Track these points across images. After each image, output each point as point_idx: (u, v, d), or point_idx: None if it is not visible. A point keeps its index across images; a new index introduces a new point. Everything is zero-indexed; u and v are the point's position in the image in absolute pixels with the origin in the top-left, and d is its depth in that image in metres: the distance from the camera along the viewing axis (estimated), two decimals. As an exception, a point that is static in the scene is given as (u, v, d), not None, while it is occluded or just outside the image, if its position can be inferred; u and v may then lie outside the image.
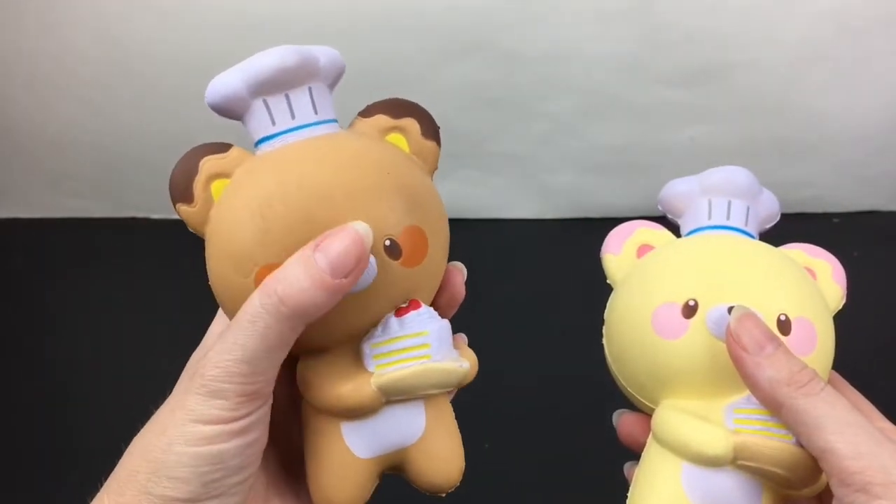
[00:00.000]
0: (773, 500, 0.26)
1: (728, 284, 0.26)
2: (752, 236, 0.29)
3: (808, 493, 0.26)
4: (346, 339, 0.25)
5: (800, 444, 0.24)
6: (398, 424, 0.25)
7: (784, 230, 0.30)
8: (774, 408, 0.24)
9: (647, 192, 0.64)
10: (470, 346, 0.26)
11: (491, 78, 0.58)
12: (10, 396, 0.47)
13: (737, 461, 0.25)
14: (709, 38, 0.55)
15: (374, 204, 0.24)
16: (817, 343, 0.26)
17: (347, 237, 0.23)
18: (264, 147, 0.26)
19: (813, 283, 0.28)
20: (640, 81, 0.57)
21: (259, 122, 0.27)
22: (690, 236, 0.29)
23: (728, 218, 0.29)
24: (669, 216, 0.30)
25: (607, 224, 0.28)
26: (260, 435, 0.23)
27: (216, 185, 0.25)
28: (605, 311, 0.28)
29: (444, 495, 0.26)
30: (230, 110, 0.27)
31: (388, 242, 0.24)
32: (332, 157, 0.25)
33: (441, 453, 0.26)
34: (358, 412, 0.24)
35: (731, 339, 0.25)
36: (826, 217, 0.65)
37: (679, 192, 0.30)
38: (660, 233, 0.29)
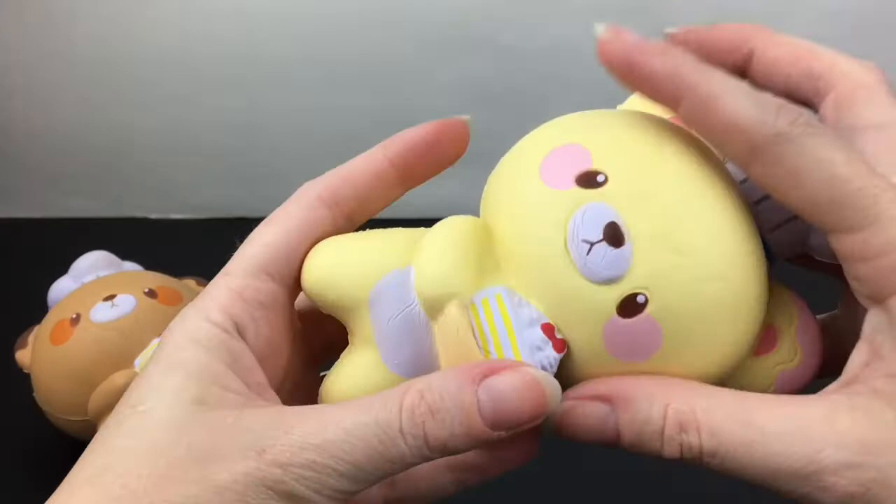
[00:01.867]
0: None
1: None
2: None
3: None
4: None
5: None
6: None
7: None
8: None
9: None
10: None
11: (491, 77, 0.58)
12: (10, 396, 0.47)
13: (432, 318, 0.21)
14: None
15: None
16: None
17: (521, 380, 0.19)
18: None
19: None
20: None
21: None
22: None
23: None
24: None
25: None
26: None
27: None
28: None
29: None
30: None
31: None
32: None
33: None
34: None
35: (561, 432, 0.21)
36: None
37: None
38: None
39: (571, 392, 0.21)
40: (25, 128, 0.63)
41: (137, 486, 0.19)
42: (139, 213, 0.67)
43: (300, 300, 0.24)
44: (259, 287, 0.22)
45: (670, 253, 0.20)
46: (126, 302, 0.42)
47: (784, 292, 0.23)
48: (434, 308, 0.21)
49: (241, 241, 0.23)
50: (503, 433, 0.19)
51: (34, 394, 0.43)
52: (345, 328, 0.23)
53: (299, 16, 0.57)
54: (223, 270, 0.22)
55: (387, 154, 0.24)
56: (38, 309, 0.46)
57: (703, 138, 0.21)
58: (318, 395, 0.23)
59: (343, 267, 0.22)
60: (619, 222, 0.20)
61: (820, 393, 0.20)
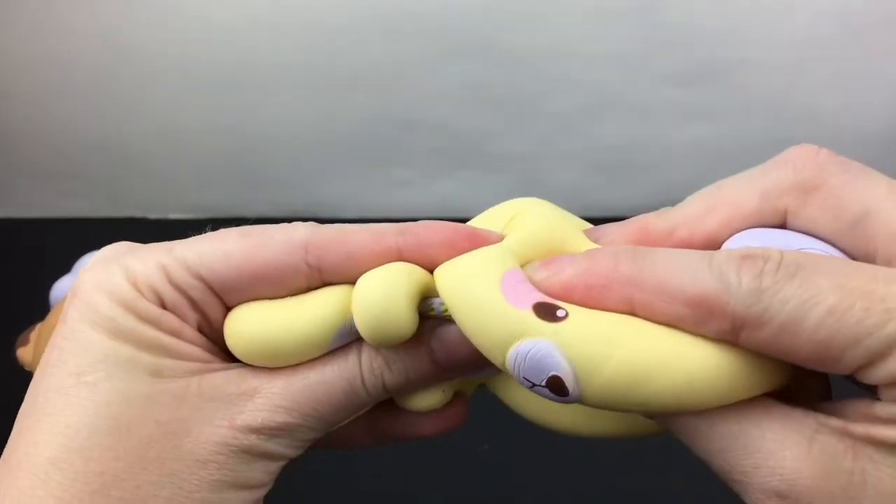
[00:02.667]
0: None
1: None
2: None
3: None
4: None
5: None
6: None
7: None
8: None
9: (649, 192, 0.65)
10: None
11: (491, 77, 0.58)
12: (10, 397, 0.47)
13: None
14: (711, 38, 0.55)
15: None
16: None
17: None
18: None
19: None
20: (641, 80, 0.57)
21: None
22: None
23: None
24: None
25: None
26: None
27: None
28: None
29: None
30: None
31: None
32: None
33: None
34: None
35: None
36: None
37: None
38: None
39: None
40: (25, 128, 0.63)
41: (115, 467, 0.18)
42: (138, 214, 0.67)
43: None
44: (192, 284, 0.20)
45: (624, 406, 0.18)
46: None
47: None
48: (390, 345, 0.21)
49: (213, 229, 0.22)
50: (453, 375, 0.21)
51: None
52: None
53: (299, 17, 0.57)
54: (166, 244, 0.21)
55: (399, 242, 0.21)
56: (37, 309, 0.46)
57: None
58: None
59: (280, 342, 0.21)
60: (566, 375, 0.18)
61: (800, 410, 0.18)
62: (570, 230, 0.22)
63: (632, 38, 0.55)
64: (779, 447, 0.17)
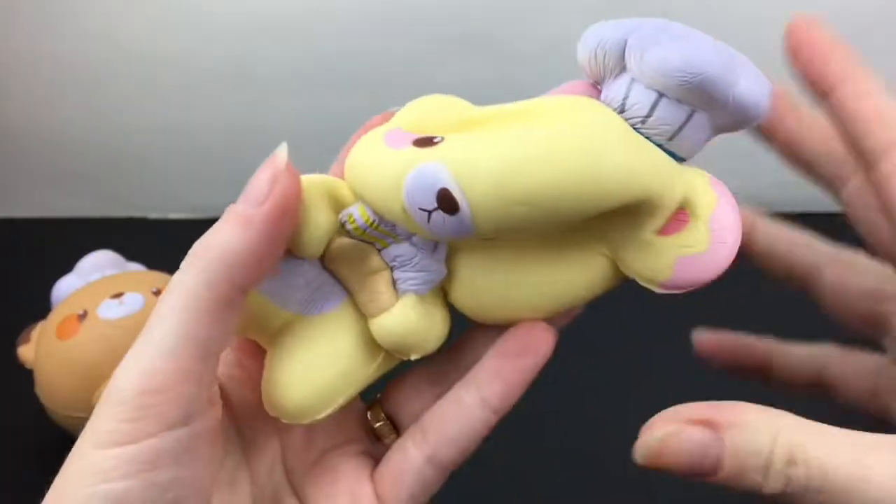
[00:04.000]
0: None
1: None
2: (672, 154, 0.21)
3: (376, 335, 0.23)
4: None
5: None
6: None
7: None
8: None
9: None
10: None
11: (491, 74, 0.58)
12: (11, 397, 0.47)
13: (325, 260, 0.22)
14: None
15: None
16: None
17: (263, 167, 0.21)
18: None
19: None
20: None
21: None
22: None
23: (644, 122, 0.21)
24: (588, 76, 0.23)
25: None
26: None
27: None
28: None
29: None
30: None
31: None
32: None
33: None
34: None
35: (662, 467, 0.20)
36: (829, 217, 0.65)
37: (591, 46, 0.22)
38: None
39: (667, 414, 0.20)
40: (25, 128, 0.63)
41: None
42: (138, 213, 0.67)
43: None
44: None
45: (512, 206, 0.19)
46: (134, 300, 0.42)
47: (703, 178, 0.22)
48: (307, 247, 0.22)
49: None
50: (262, 207, 0.20)
51: (36, 389, 0.43)
52: None
53: (299, 16, 0.57)
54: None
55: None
56: (37, 309, 0.46)
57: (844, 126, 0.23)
58: None
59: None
60: (451, 184, 0.18)
61: None
62: (455, 102, 0.23)
63: (632, 38, 0.55)
64: None
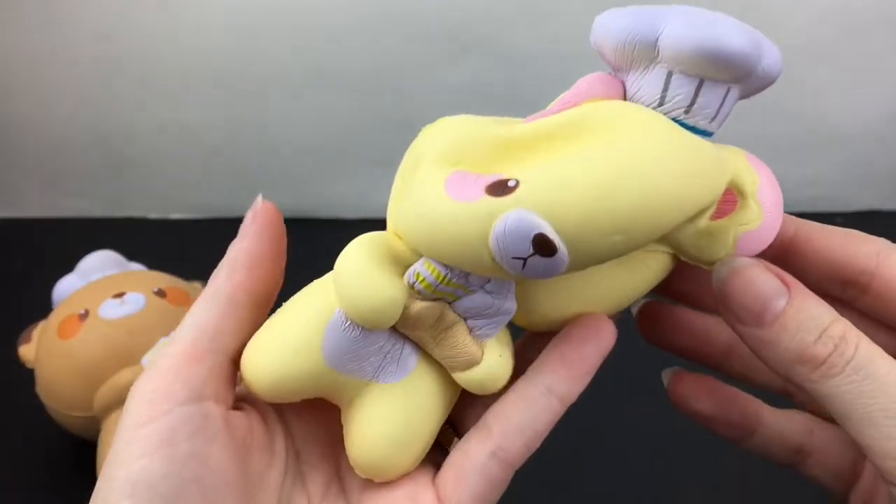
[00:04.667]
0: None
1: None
2: (709, 135, 0.21)
3: (466, 385, 0.22)
4: None
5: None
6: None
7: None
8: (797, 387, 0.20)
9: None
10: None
11: (492, 77, 0.58)
12: (11, 397, 0.47)
13: (398, 327, 0.21)
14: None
15: None
16: None
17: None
18: None
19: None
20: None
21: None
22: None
23: (689, 111, 0.21)
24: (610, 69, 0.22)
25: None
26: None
27: None
28: None
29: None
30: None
31: None
32: None
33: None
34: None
35: (721, 306, 0.21)
36: (829, 217, 0.65)
37: (622, 37, 0.20)
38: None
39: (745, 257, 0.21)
40: (25, 128, 0.63)
41: None
42: (138, 213, 0.67)
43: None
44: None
45: (609, 236, 0.18)
46: (135, 300, 0.42)
47: (741, 157, 0.23)
48: (386, 326, 0.21)
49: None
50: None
51: (37, 388, 0.43)
52: None
53: (300, 16, 0.57)
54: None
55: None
56: (37, 309, 0.46)
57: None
58: None
59: (282, 363, 0.21)
60: (545, 227, 0.18)
61: None
62: (474, 121, 0.22)
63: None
64: None
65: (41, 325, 0.44)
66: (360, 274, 0.20)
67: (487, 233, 0.18)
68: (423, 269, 0.20)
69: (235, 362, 0.22)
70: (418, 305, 0.21)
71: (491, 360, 0.22)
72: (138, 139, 0.63)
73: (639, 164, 0.18)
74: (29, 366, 0.43)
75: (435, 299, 0.21)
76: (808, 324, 0.19)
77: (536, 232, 0.18)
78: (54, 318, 0.43)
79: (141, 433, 0.20)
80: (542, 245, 0.18)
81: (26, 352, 0.43)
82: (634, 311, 0.27)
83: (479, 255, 0.19)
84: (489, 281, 0.21)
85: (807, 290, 0.20)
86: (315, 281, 0.23)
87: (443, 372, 0.23)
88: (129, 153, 0.64)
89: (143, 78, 0.60)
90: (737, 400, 0.27)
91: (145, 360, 0.40)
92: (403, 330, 0.22)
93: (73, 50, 0.59)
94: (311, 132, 0.62)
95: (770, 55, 0.21)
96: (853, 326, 0.20)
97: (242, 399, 0.23)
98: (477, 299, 0.21)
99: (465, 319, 0.22)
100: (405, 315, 0.21)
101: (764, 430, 0.27)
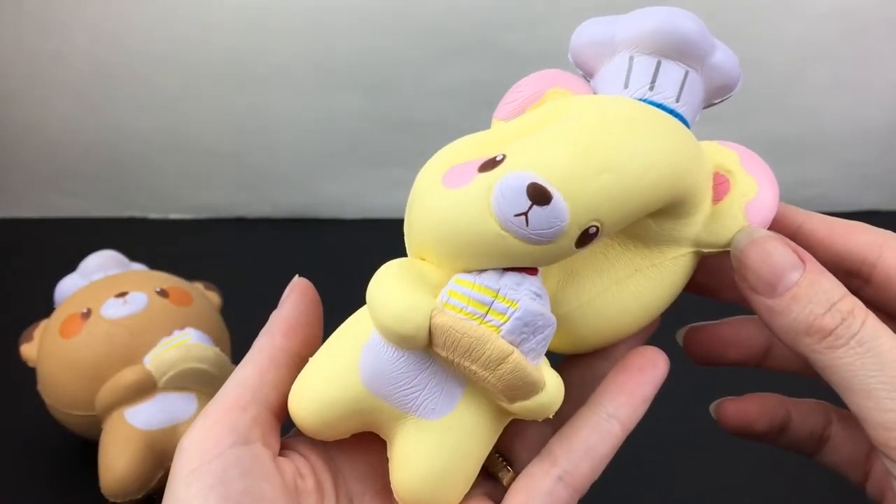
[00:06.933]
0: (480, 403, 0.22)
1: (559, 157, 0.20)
2: (682, 119, 0.23)
3: (525, 413, 0.22)
4: None
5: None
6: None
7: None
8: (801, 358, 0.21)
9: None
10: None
11: (491, 76, 0.58)
12: (12, 396, 0.47)
13: (433, 347, 0.21)
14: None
15: None
16: None
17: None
18: None
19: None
20: (641, 81, 0.57)
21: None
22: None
23: (652, 88, 0.23)
24: (582, 73, 0.25)
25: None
26: None
27: None
28: None
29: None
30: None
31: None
32: None
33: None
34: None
35: (738, 273, 0.21)
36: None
37: (592, 39, 0.24)
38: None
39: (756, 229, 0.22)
40: (25, 128, 0.63)
41: None
42: (138, 214, 0.67)
43: None
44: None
45: (596, 176, 0.20)
46: (138, 300, 0.42)
47: (713, 143, 0.24)
48: (418, 343, 0.21)
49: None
50: None
51: (38, 388, 0.43)
52: None
53: (300, 16, 0.57)
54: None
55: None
56: (38, 309, 0.46)
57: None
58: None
59: (324, 390, 0.22)
60: (535, 177, 0.19)
61: None
62: (471, 136, 0.24)
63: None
64: None
65: (43, 324, 0.44)
66: (388, 286, 0.21)
67: (489, 204, 0.20)
68: (454, 285, 0.21)
69: (279, 416, 0.24)
70: (450, 317, 0.21)
71: (553, 382, 0.22)
72: (138, 139, 0.63)
73: (614, 109, 0.21)
74: (31, 365, 0.43)
75: (475, 316, 0.21)
76: (820, 297, 0.20)
77: (528, 182, 0.19)
78: (56, 318, 0.43)
79: (195, 476, 0.21)
80: (537, 193, 0.19)
81: (28, 351, 0.43)
82: (679, 339, 0.28)
83: (487, 227, 0.20)
84: (519, 283, 0.21)
85: (821, 267, 0.21)
86: (353, 314, 0.23)
87: (489, 405, 0.22)
88: (129, 153, 0.64)
89: (142, 78, 0.60)
90: (770, 403, 0.28)
91: (147, 359, 0.40)
92: (446, 354, 0.21)
93: (73, 50, 0.59)
94: (311, 132, 0.62)
95: (724, 53, 0.23)
96: (863, 305, 0.20)
97: (289, 448, 0.24)
98: (522, 314, 0.21)
99: (518, 346, 0.21)
100: (439, 330, 0.20)
101: (793, 425, 0.28)
